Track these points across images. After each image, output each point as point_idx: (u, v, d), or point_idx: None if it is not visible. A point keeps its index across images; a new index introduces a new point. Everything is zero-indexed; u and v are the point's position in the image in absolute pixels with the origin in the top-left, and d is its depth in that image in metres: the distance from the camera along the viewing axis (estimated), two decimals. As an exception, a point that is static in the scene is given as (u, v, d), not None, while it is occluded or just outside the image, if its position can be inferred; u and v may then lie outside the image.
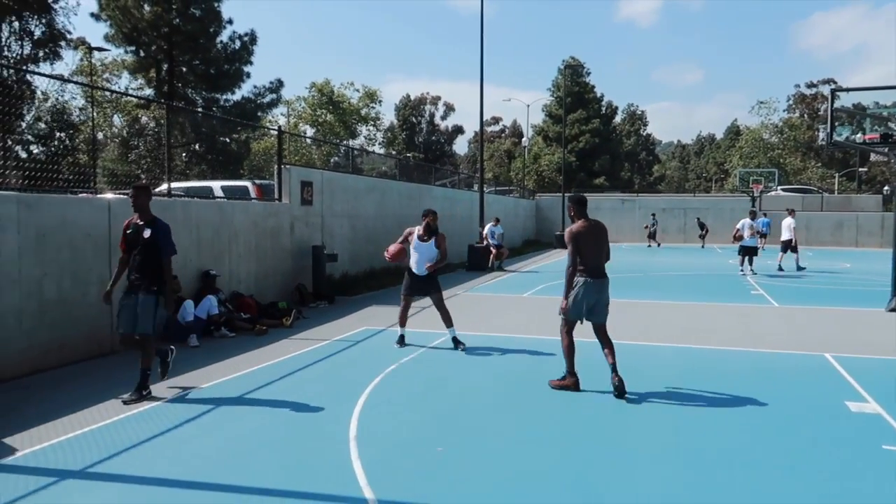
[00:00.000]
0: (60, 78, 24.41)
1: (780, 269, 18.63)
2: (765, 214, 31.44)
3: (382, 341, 8.64)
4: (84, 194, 8.11)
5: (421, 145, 75.93)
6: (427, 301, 8.64)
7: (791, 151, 57.74)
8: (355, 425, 5.24)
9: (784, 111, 61.92)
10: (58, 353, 7.19)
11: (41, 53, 27.93)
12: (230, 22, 30.21)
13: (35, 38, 27.68)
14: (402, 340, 8.31)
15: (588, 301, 6.20)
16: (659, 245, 31.79)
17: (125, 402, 5.77)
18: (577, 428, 5.28)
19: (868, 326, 9.96)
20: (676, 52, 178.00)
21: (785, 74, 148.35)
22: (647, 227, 32.17)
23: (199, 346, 8.17)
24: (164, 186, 10.30)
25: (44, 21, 27.58)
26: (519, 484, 4.18)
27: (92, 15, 28.38)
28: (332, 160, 40.63)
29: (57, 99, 29.10)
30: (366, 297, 12.91)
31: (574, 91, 57.81)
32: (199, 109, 28.54)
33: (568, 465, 4.51)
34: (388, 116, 75.38)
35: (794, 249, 18.83)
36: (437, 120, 78.21)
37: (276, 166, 12.46)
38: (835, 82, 58.41)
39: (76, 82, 31.61)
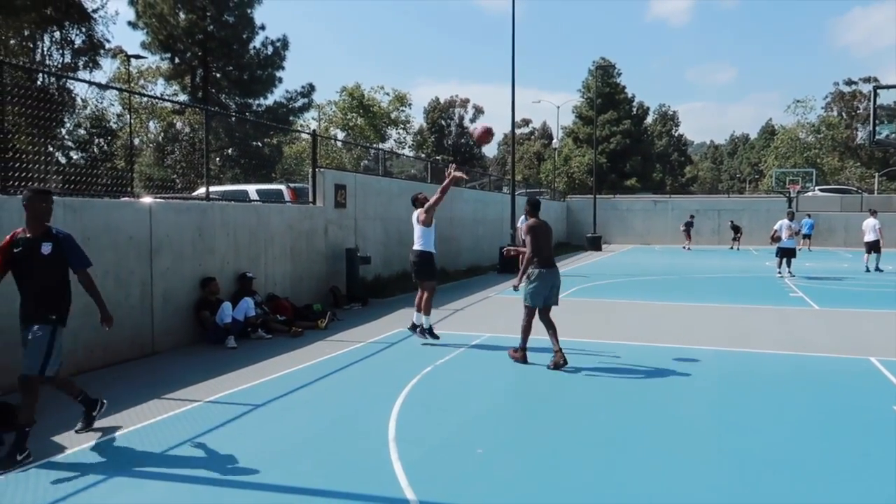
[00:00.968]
0: (100, 85, 25.03)
1: (868, 269, 18.94)
2: (808, 215, 30.86)
3: (416, 343, 8.65)
4: (125, 198, 8.28)
5: (450, 148, 76.08)
6: (459, 303, 8.64)
7: (828, 151, 56.51)
8: (394, 427, 5.25)
9: (822, 109, 60.71)
10: (102, 353, 7.35)
11: (81, 62, 28.65)
12: (262, 27, 30.71)
13: (75, 46, 28.41)
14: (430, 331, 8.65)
15: (545, 288, 7.23)
16: (689, 248, 31.18)
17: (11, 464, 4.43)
18: (618, 431, 5.21)
19: (915, 330, 9.69)
20: (709, 51, 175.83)
21: (821, 73, 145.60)
22: (688, 224, 31.69)
23: (236, 348, 8.28)
24: (201, 190, 10.46)
25: (84, 30, 28.29)
26: (561, 487, 4.15)
27: (129, 23, 29.07)
28: (362, 163, 40.95)
29: (96, 106, 29.83)
30: (398, 300, 12.96)
31: (604, 92, 57.41)
32: (234, 114, 29.00)
33: (611, 470, 4.46)
34: (418, 119, 75.61)
35: (878, 250, 18.99)
36: (467, 122, 78.31)
37: (310, 169, 12.58)
38: (876, 80, 56.95)
39: (115, 87, 32.35)
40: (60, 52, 28.23)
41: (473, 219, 20.50)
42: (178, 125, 30.68)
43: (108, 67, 54.90)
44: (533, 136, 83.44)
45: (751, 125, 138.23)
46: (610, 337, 9.10)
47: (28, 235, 4.76)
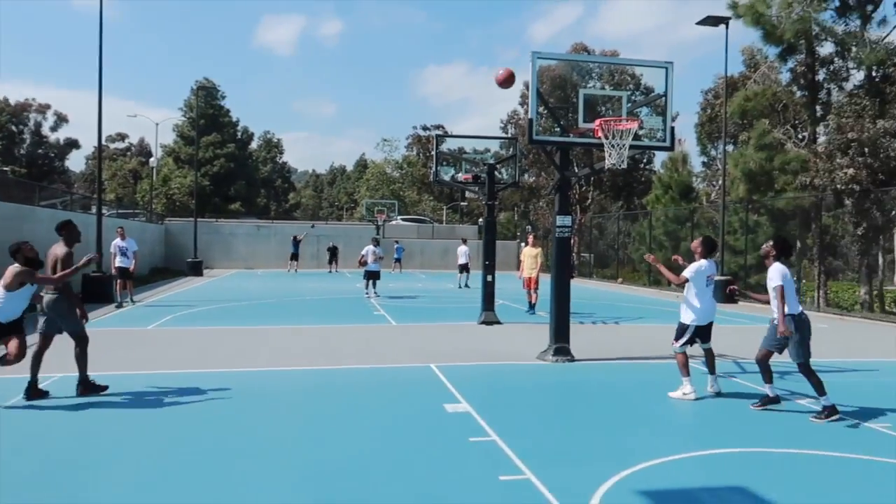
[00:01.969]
0: None
1: (460, 286, 23.43)
2: (396, 241, 34.80)
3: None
4: None
5: (23, 158, 65.23)
6: (28, 339, 7.40)
7: (409, 185, 64.78)
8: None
9: (405, 149, 69.35)
10: None
11: None
12: None
13: None
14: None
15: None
16: (296, 271, 32.33)
17: None
18: (202, 459, 5.08)
19: (464, 338, 11.71)
20: (313, 85, 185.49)
21: (407, 116, 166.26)
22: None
23: None
24: None
25: None
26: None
27: None
28: None
29: None
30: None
31: (208, 113, 56.14)
32: None
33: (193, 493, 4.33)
34: (-23, 122, 63.02)
35: (468, 270, 23.98)
36: (46, 131, 68.24)
37: None
38: (443, 128, 67.60)
39: None
40: None
41: (50, 242, 17.81)
42: None
43: None
44: (129, 153, 76.74)
45: (348, 157, 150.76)
46: (204, 366, 8.86)
47: None
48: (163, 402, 6.81)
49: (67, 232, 7.09)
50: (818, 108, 25.65)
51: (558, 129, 10.30)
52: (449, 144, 19.62)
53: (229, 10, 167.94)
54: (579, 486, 4.65)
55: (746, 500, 4.50)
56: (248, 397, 7.11)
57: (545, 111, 10.55)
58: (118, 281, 15.86)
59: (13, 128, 64.89)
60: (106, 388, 7.09)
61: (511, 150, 16.66)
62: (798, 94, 27.10)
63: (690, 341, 7.43)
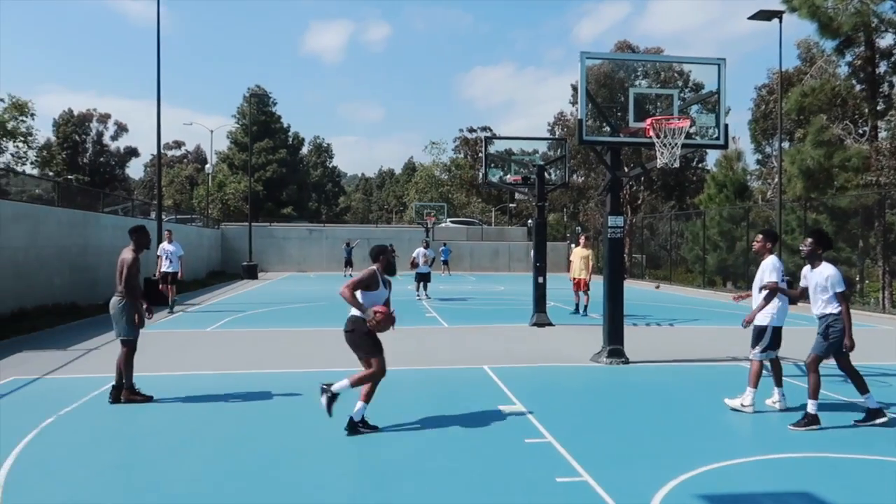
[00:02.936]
0: None
1: (419, 296, 19.92)
2: (444, 244, 34.96)
3: (36, 391, 7.53)
4: None
5: (86, 167, 67.94)
6: (95, 342, 7.78)
7: (458, 188, 64.97)
8: (0, 492, 4.51)
9: (452, 151, 69.60)
10: None
11: None
12: None
13: None
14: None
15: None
16: (352, 275, 32.48)
17: None
18: (275, 459, 5.26)
19: (516, 340, 11.72)
20: (360, 90, 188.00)
21: (453, 118, 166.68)
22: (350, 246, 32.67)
23: None
24: None
25: None
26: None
27: None
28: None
29: None
30: (13, 343, 11.07)
31: (260, 120, 57.49)
32: None
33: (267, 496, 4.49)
34: (45, 132, 65.89)
35: (427, 279, 21.07)
36: (107, 140, 70.93)
37: None
38: (490, 130, 67.55)
39: None
40: None
41: (113, 247, 18.58)
42: None
43: None
44: (186, 160, 79.15)
45: (396, 161, 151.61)
46: (261, 366, 9.12)
47: None
48: (220, 403, 7.04)
49: (138, 237, 7.18)
50: (880, 101, 24.71)
51: (608, 129, 10.23)
52: (497, 146, 19.65)
53: (278, 18, 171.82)
54: (638, 488, 4.64)
55: (811, 505, 4.41)
56: (303, 398, 7.29)
57: (594, 111, 10.48)
58: (167, 286, 15.49)
59: (77, 137, 67.60)
60: (151, 398, 7.04)
61: (560, 150, 16.59)
62: (857, 88, 26.18)
63: (771, 346, 6.88)
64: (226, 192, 54.11)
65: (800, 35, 45.71)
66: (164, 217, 24.99)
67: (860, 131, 26.74)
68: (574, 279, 15.88)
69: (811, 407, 6.26)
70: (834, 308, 6.30)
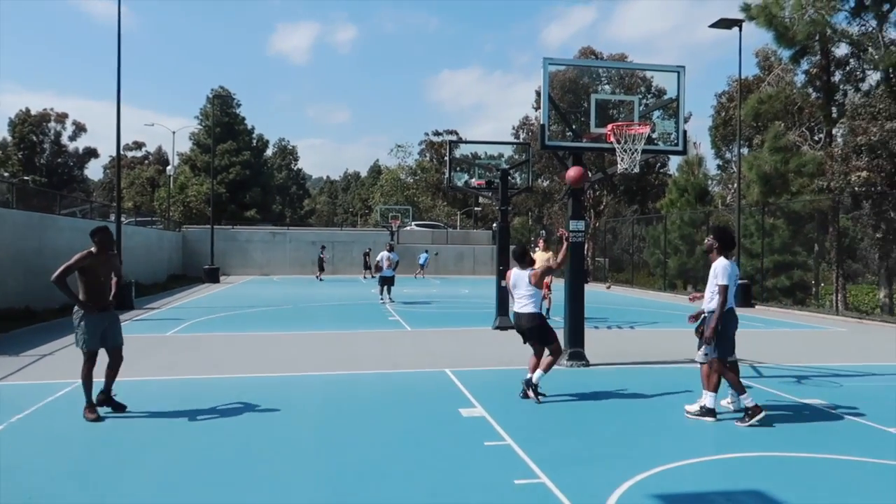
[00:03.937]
0: None
1: (383, 299, 19.55)
2: (426, 250, 35.28)
3: (-15, 399, 7.29)
4: None
5: (44, 168, 66.20)
6: (48, 347, 7.58)
7: (423, 191, 64.98)
8: (-57, 504, 4.35)
9: (418, 154, 69.56)
10: None
11: None
12: None
13: None
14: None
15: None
16: (321, 279, 32.18)
17: None
18: (222, 468, 5.17)
19: (479, 343, 11.75)
20: (327, 91, 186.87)
21: (421, 121, 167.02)
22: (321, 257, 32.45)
23: None
24: None
25: None
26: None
27: None
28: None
29: None
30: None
31: (224, 121, 56.70)
32: None
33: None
34: (0, 132, 64.05)
35: (391, 283, 20.59)
36: (65, 140, 69.23)
37: None
38: (457, 133, 67.67)
39: None
40: None
41: (70, 250, 18.10)
42: None
43: None
44: (147, 161, 77.62)
45: (362, 164, 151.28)
46: (219, 372, 8.98)
47: None
48: (179, 409, 6.91)
49: (100, 238, 6.57)
50: (834, 109, 25.47)
51: (570, 134, 10.34)
52: (462, 150, 19.73)
53: (244, 19, 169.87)
54: (594, 489, 4.69)
55: (760, 503, 4.51)
56: (264, 403, 7.20)
57: (557, 116, 10.59)
58: None
59: (34, 137, 65.81)
60: (100, 418, 6.45)
61: (524, 155, 16.71)
62: (813, 95, 26.94)
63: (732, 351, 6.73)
64: (188, 195, 53.21)
65: (759, 44, 46.85)
66: (123, 219, 24.46)
67: (815, 138, 27.51)
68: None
69: (747, 401, 6.39)
70: (718, 303, 6.42)
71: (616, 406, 7.33)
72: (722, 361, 6.51)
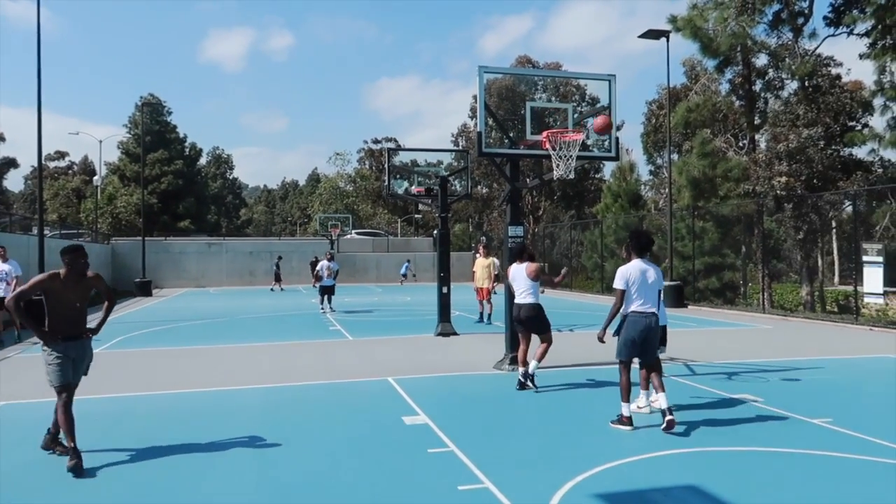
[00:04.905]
0: None
1: (324, 309, 19.23)
2: (408, 260, 35.52)
3: None
4: None
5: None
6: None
7: (363, 199, 64.59)
8: None
9: (357, 162, 69.13)
10: None
11: None
12: None
13: None
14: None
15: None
16: (282, 289, 31.27)
17: None
18: (157, 489, 4.99)
19: (421, 350, 11.74)
20: (263, 99, 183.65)
21: (360, 129, 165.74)
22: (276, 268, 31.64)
23: None
24: None
25: None
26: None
27: None
28: None
29: None
30: None
31: (154, 129, 54.98)
32: None
33: None
34: None
35: (331, 292, 19.34)
36: (-19, 150, 65.67)
37: None
38: (396, 141, 67.58)
39: None
40: None
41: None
42: None
43: None
44: (72, 171, 74.51)
45: (301, 172, 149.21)
46: (153, 388, 8.67)
47: None
48: (112, 426, 6.64)
49: (70, 258, 5.60)
50: (756, 117, 26.66)
51: (507, 141, 10.47)
52: (402, 157, 19.71)
53: (174, 24, 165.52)
54: (537, 491, 4.73)
55: (697, 497, 4.65)
56: (200, 417, 6.99)
57: (494, 124, 10.71)
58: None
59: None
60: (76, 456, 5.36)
61: (462, 162, 16.84)
62: (737, 104, 28.13)
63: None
64: (117, 206, 51.35)
65: (687, 53, 48.63)
66: (47, 232, 23.37)
67: (740, 144, 28.71)
68: (477, 289, 16.11)
69: (624, 409, 6.50)
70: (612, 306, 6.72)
71: (558, 407, 7.44)
72: (622, 362, 6.64)
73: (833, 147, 23.71)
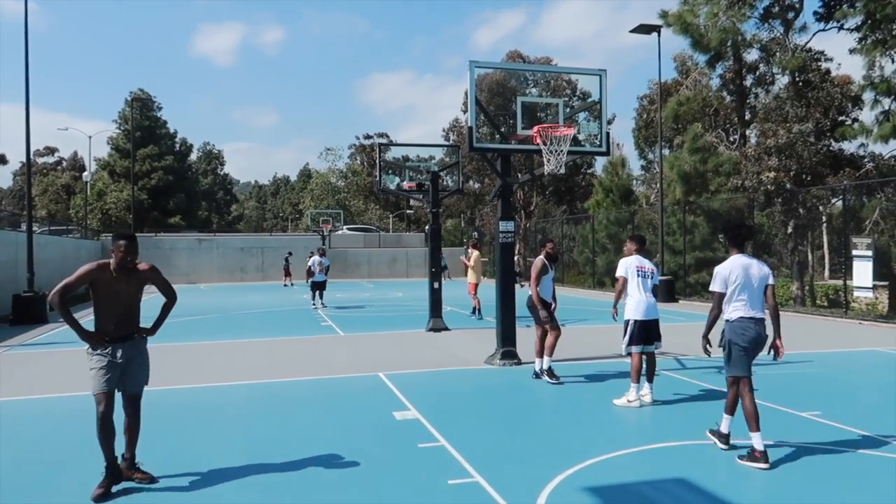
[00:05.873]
0: None
1: (315, 305, 19.21)
2: (442, 256, 34.79)
3: None
4: None
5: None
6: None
7: (355, 194, 64.45)
8: None
9: (348, 158, 68.92)
10: None
11: None
12: None
13: None
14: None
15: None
16: (292, 284, 31.04)
17: None
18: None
19: (412, 345, 11.74)
20: (254, 94, 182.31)
21: (351, 124, 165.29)
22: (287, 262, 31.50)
23: None
24: None
25: None
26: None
27: None
28: None
29: None
30: None
31: (144, 125, 54.68)
32: None
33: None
34: None
35: (322, 287, 19.41)
36: (-31, 145, 65.14)
37: None
38: (388, 136, 67.39)
39: None
40: None
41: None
42: None
43: None
44: (61, 167, 74.00)
45: (292, 168, 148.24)
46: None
47: None
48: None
49: (120, 247, 4.97)
50: (747, 112, 26.73)
51: (498, 137, 10.46)
52: (393, 153, 19.65)
53: (164, 18, 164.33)
54: (527, 485, 4.74)
55: (685, 490, 4.67)
56: (192, 413, 6.97)
57: (485, 119, 10.70)
58: None
59: (-67, 143, 61.72)
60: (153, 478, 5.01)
61: (454, 157, 16.81)
62: (728, 98, 28.20)
63: (636, 340, 7.07)
64: (106, 202, 51.04)
65: (678, 48, 48.70)
66: (36, 229, 23.22)
67: (731, 139, 28.80)
68: (469, 283, 16.18)
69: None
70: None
71: (548, 402, 7.46)
72: (737, 379, 5.64)
73: (822, 143, 23.82)
